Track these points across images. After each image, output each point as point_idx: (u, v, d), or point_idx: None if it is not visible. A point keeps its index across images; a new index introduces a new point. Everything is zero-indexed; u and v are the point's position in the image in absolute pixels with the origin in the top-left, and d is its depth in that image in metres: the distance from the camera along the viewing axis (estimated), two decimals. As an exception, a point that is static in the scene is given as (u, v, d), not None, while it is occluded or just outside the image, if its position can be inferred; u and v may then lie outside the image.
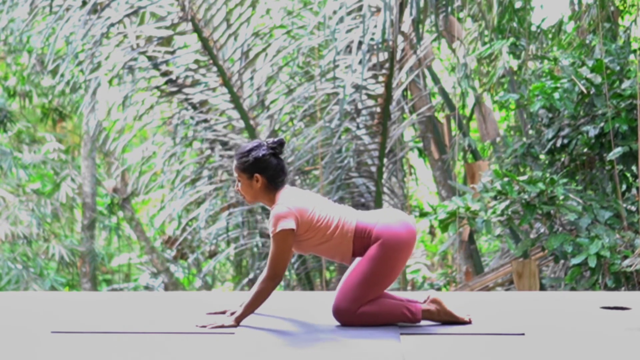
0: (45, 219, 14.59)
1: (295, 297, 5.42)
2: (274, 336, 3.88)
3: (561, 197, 7.42)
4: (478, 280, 9.47)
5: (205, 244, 12.45)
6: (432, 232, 15.46)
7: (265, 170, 4.05)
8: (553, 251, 7.44)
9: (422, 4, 9.01)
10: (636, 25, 9.09)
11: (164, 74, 10.78)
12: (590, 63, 7.92)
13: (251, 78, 10.77)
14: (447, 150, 11.59)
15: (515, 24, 9.87)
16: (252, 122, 10.50)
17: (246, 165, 4.07)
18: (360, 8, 9.77)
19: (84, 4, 10.17)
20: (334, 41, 9.62)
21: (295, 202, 4.00)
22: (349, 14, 9.90)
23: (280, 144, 4.11)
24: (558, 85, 7.85)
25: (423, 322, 4.07)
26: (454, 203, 7.76)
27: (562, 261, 8.29)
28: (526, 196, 7.40)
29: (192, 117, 11.05)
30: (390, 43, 9.63)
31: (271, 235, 3.96)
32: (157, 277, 15.38)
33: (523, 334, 3.87)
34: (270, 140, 4.12)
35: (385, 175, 11.01)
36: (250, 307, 4.01)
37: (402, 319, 4.02)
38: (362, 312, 3.99)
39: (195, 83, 10.78)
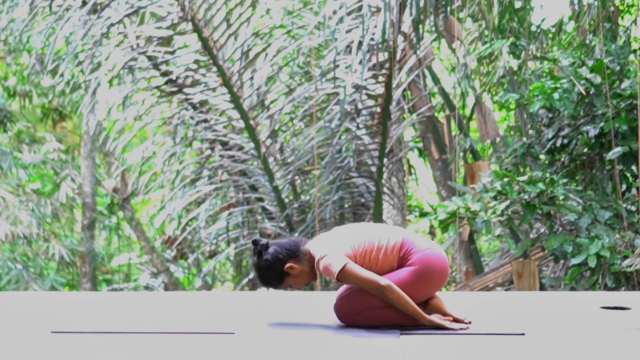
0: (45, 219, 14.59)
1: (296, 296, 5.41)
2: (274, 336, 3.87)
3: (561, 197, 7.41)
4: (478, 280, 9.46)
5: (205, 244, 12.45)
6: (432, 232, 15.47)
7: (282, 261, 4.06)
8: (553, 251, 7.43)
9: (422, 4, 9.00)
10: (636, 25, 9.09)
11: (164, 74, 10.78)
12: (590, 63, 7.91)
13: (251, 78, 10.78)
14: (447, 150, 11.58)
15: (515, 24, 9.86)
16: (252, 122, 10.50)
17: (275, 276, 4.09)
18: (360, 8, 9.76)
19: (84, 4, 10.17)
20: (334, 41, 9.61)
21: (330, 245, 4.01)
22: (349, 14, 9.89)
23: (253, 243, 4.14)
24: (558, 85, 7.84)
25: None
26: (454, 203, 7.75)
27: (562, 261, 8.28)
28: (526, 196, 7.40)
29: (192, 117, 11.05)
30: (390, 43, 9.62)
31: (337, 280, 3.95)
32: (157, 277, 15.38)
33: (523, 334, 3.87)
34: (252, 248, 4.16)
35: (385, 175, 11.00)
36: (406, 306, 3.94)
37: (403, 323, 4.01)
38: (364, 312, 4.00)
39: (195, 83, 10.78)
